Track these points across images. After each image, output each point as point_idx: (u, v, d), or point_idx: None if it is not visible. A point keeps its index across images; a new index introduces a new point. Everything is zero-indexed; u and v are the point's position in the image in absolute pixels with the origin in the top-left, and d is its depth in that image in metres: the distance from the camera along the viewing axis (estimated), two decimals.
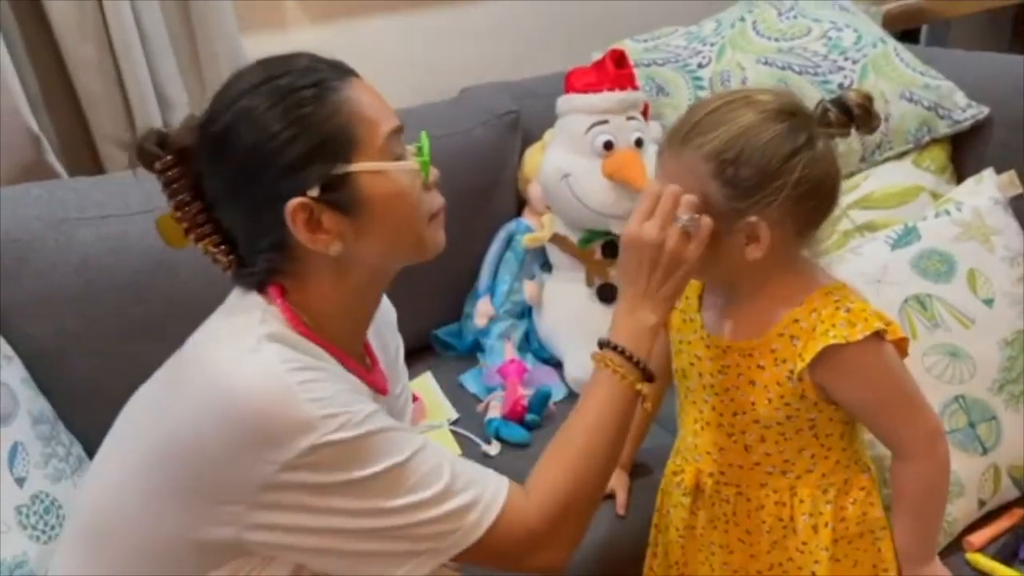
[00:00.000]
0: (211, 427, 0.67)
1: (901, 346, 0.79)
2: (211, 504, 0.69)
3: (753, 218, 0.75)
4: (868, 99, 0.77)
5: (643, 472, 1.08)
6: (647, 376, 0.81)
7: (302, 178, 0.70)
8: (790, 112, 0.75)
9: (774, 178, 0.73)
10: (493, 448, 1.20)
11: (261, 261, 0.74)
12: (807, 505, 0.83)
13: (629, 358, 0.79)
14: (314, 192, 0.70)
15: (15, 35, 1.28)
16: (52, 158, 1.30)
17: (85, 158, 1.38)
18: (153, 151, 0.72)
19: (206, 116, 0.72)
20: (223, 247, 0.75)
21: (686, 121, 0.77)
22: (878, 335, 0.76)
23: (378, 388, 0.83)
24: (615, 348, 0.80)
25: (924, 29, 2.41)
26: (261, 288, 0.75)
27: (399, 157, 0.75)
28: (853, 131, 0.79)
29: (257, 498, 0.67)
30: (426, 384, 1.35)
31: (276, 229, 0.71)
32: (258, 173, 0.70)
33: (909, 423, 0.80)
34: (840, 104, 0.77)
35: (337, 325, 0.77)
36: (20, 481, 0.95)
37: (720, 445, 0.85)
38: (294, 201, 0.70)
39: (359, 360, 0.82)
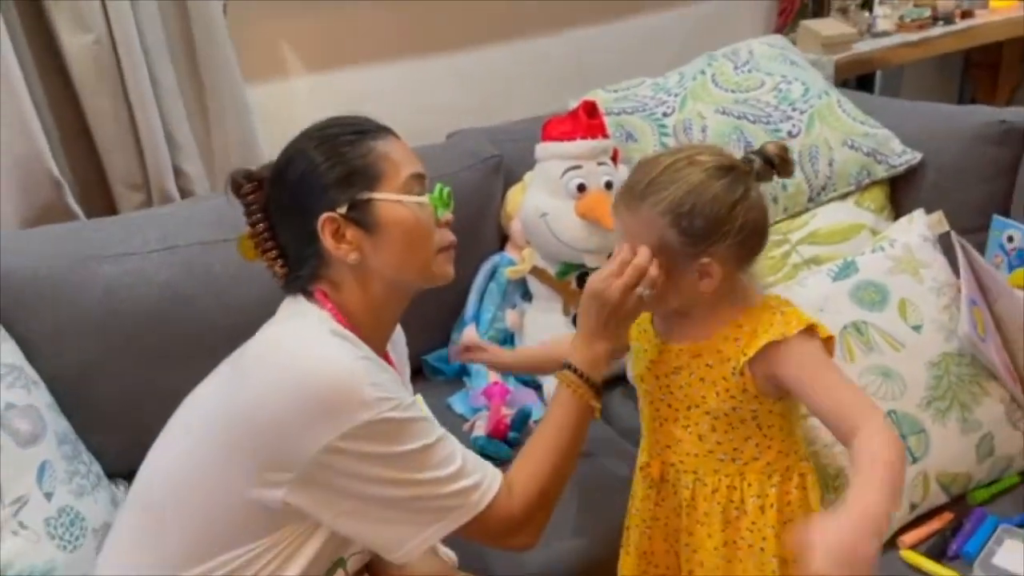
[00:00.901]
0: (285, 399, 0.80)
1: (828, 345, 0.90)
2: (268, 468, 0.81)
3: (706, 259, 0.87)
4: (784, 149, 0.91)
5: (614, 480, 1.17)
6: (599, 393, 0.95)
7: (334, 198, 0.87)
8: (727, 168, 0.88)
9: (722, 225, 0.86)
10: None
11: (306, 267, 0.90)
12: (755, 488, 0.93)
13: (584, 379, 0.94)
14: (342, 210, 0.87)
15: (38, 88, 1.37)
16: (71, 200, 1.38)
17: (100, 200, 1.46)
18: (241, 181, 0.92)
19: (279, 158, 0.91)
20: (279, 260, 0.92)
21: (639, 180, 0.89)
22: (809, 330, 0.88)
23: None
24: (574, 370, 0.94)
25: (879, 75, 2.57)
26: (307, 293, 0.91)
27: (419, 196, 0.91)
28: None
29: (315, 459, 0.80)
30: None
31: (314, 240, 0.88)
32: (304, 194, 0.88)
33: (851, 394, 0.87)
34: (762, 155, 0.90)
35: (367, 327, 0.91)
36: (48, 496, 1.03)
37: (677, 437, 0.96)
38: (324, 215, 0.87)
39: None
